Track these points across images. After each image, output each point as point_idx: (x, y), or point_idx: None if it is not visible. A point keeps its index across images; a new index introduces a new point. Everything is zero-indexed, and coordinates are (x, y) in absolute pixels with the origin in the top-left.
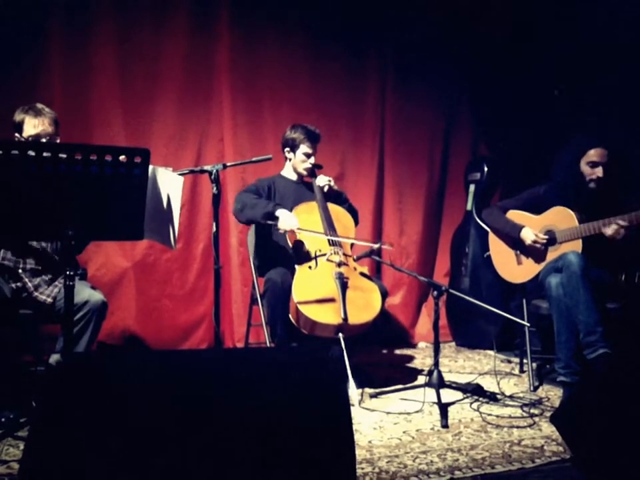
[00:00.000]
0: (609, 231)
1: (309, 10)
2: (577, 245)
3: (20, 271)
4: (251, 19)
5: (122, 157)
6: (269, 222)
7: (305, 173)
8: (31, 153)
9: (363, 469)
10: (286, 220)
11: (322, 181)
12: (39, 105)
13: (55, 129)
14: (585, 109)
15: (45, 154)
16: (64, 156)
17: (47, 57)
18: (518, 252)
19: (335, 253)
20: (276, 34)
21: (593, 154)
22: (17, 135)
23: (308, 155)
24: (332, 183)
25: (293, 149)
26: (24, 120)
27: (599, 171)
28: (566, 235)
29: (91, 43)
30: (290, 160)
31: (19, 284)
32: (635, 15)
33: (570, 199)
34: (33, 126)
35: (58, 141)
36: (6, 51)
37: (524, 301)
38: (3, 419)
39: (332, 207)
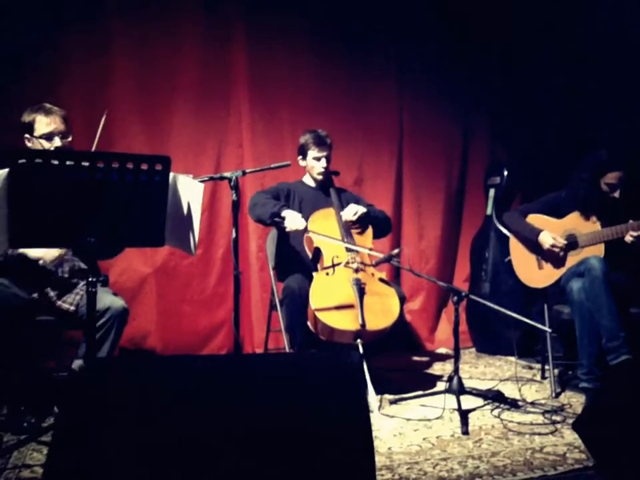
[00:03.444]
0: (629, 238)
1: (326, 16)
2: (599, 250)
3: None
4: (267, 27)
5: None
6: (276, 220)
7: (319, 177)
8: (54, 161)
9: (382, 475)
10: (293, 220)
11: (347, 215)
12: (48, 105)
13: (66, 127)
14: (604, 111)
15: (67, 162)
16: (86, 164)
17: (65, 66)
18: (539, 256)
19: (352, 259)
20: (293, 42)
21: (610, 177)
22: (27, 135)
23: (317, 159)
24: (355, 217)
25: (304, 155)
26: (35, 119)
27: (616, 193)
28: (588, 239)
29: (109, 53)
30: (305, 167)
31: (40, 293)
32: None
33: (590, 206)
34: (46, 124)
35: (70, 138)
36: (24, 62)
37: (545, 306)
38: (24, 423)
39: None
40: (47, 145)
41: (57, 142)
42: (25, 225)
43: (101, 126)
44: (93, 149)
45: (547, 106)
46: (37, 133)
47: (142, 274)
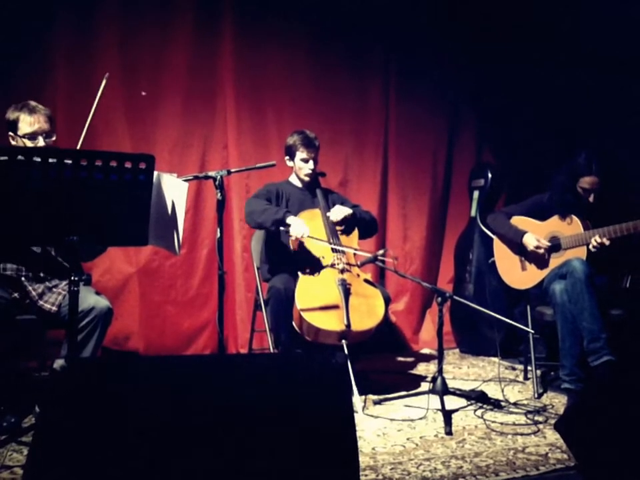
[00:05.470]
0: (593, 243)
1: (311, 15)
2: (582, 252)
3: (23, 279)
4: (255, 26)
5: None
6: (281, 228)
7: (306, 179)
8: (36, 159)
9: (366, 475)
10: (298, 227)
11: (335, 217)
12: (32, 103)
13: (50, 126)
14: (589, 114)
15: (50, 160)
16: (69, 162)
17: (52, 63)
18: (522, 258)
19: (337, 260)
20: (279, 41)
21: (585, 181)
22: (10, 133)
23: (305, 160)
24: (341, 218)
25: (292, 156)
26: (19, 118)
27: (590, 197)
28: (571, 241)
29: (95, 49)
30: (293, 168)
31: (21, 293)
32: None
33: (568, 210)
34: (29, 124)
35: (54, 137)
36: (11, 57)
37: (528, 307)
38: (4, 423)
39: None
40: (30, 144)
41: (41, 142)
42: (6, 223)
43: (100, 91)
44: (88, 122)
45: (535, 108)
46: (20, 132)
47: (125, 274)
